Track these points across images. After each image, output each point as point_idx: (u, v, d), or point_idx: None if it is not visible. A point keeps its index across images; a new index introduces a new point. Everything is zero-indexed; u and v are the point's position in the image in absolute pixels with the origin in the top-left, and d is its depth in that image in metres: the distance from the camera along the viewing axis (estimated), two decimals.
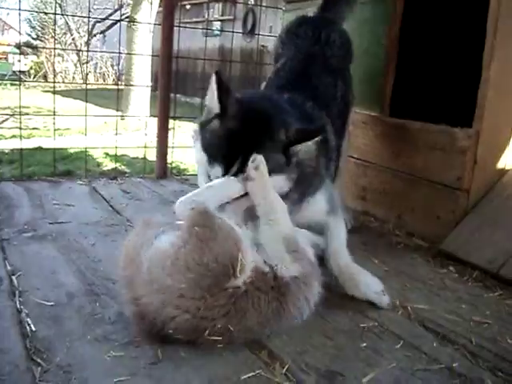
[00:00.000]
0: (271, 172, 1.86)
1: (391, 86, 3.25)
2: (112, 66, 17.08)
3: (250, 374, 1.56)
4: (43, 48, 17.16)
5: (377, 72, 3.28)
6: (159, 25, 4.03)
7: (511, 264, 2.45)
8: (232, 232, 1.70)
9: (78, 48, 17.94)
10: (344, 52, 2.81)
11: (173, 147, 4.07)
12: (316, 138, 1.95)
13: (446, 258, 2.66)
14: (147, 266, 1.65)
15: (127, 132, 7.62)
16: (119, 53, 3.89)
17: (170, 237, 1.71)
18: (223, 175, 1.86)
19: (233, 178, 1.85)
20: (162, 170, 3.97)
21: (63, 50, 17.06)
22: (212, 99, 1.97)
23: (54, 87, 6.02)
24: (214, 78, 1.94)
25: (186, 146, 4.96)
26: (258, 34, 9.37)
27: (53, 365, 1.54)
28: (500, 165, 2.89)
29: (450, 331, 1.95)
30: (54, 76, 13.24)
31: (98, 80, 16.65)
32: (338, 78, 2.66)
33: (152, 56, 9.22)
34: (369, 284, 2.10)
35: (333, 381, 1.59)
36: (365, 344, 1.80)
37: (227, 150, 1.89)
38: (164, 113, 3.91)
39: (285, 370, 1.60)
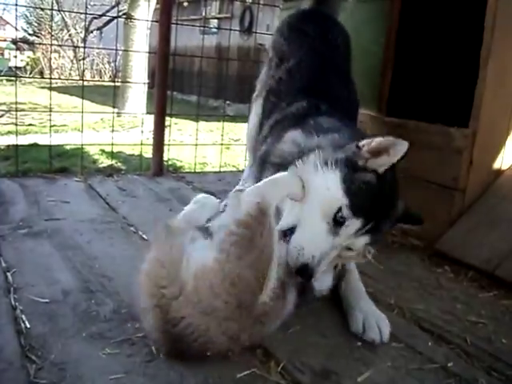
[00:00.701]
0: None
1: (389, 86, 3.25)
2: (109, 62, 17.03)
3: (246, 373, 1.57)
4: (40, 44, 17.09)
5: (374, 71, 3.28)
6: (156, 22, 4.02)
7: (507, 264, 2.46)
8: (271, 241, 1.61)
9: (75, 44, 17.90)
10: (348, 53, 2.79)
11: (169, 144, 4.06)
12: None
13: (441, 257, 2.66)
14: (194, 286, 1.53)
15: (124, 129, 7.61)
16: (116, 49, 3.87)
17: (209, 250, 1.60)
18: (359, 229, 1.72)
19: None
20: (158, 167, 3.96)
21: (60, 46, 17.00)
22: None
23: (51, 83, 5.99)
24: None
25: (182, 143, 5.00)
26: (256, 32, 9.36)
27: (47, 362, 1.53)
28: (496, 165, 2.89)
29: (445, 331, 1.95)
30: (51, 72, 13.21)
31: (94, 77, 16.60)
32: (349, 81, 2.64)
33: (149, 53, 9.19)
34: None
35: (328, 379, 1.59)
36: (360, 343, 1.80)
37: (370, 207, 1.72)
38: (160, 110, 3.90)
39: (280, 368, 1.61)
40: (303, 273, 1.67)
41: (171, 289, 1.56)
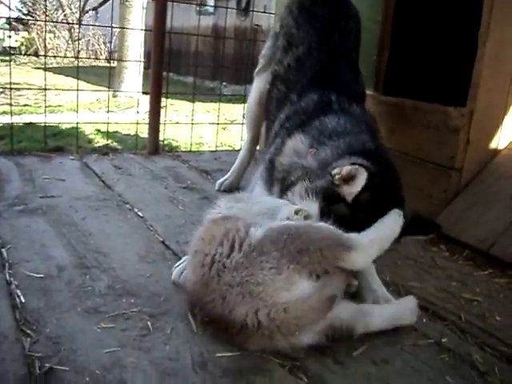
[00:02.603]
0: None
1: (386, 64, 3.23)
2: (104, 43, 16.90)
3: (242, 351, 1.56)
4: (35, 21, 16.92)
5: (371, 49, 3.25)
6: (152, 0, 3.97)
7: (501, 243, 2.46)
8: None
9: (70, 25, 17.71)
10: (358, 40, 2.69)
11: (165, 123, 4.04)
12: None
13: (437, 236, 2.66)
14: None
15: (119, 109, 7.57)
16: (111, 27, 3.85)
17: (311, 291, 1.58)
18: None
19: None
20: (154, 147, 3.94)
21: (55, 23, 16.83)
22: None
23: (45, 63, 5.93)
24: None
25: (178, 122, 4.98)
26: (252, 11, 9.28)
27: (42, 336, 1.53)
28: (493, 144, 2.89)
29: (439, 308, 1.96)
30: (45, 52, 13.08)
31: (90, 57, 16.47)
32: (358, 71, 2.59)
33: (145, 31, 9.10)
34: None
35: (323, 355, 1.59)
36: None
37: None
38: (156, 88, 3.87)
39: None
40: None
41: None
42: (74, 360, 1.44)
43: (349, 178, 1.73)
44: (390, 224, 1.73)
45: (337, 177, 1.75)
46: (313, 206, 1.78)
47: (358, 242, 1.63)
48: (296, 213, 1.75)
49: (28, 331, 1.55)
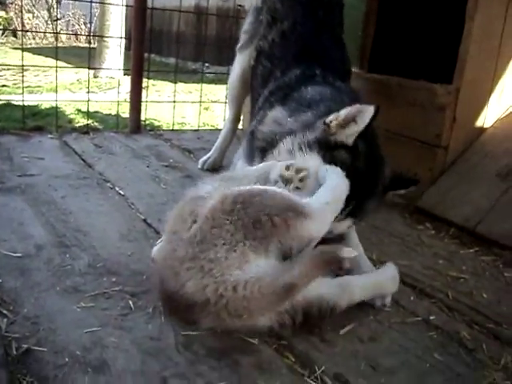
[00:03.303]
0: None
1: (371, 41, 3.18)
2: (85, 23, 16.61)
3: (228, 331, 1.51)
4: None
5: (356, 26, 3.19)
6: None
7: (487, 221, 2.45)
8: None
9: (50, 4, 17.39)
10: (341, 15, 2.64)
11: (146, 102, 3.96)
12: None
13: (422, 214, 2.65)
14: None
15: (100, 90, 7.43)
16: (91, 1, 3.74)
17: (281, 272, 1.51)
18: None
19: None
20: (136, 125, 3.86)
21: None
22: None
23: (22, 42, 5.80)
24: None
25: (160, 101, 4.90)
26: None
27: (20, 316, 1.48)
28: (479, 123, 2.87)
29: (427, 285, 1.95)
30: (22, 30, 12.80)
31: (70, 38, 16.18)
32: (343, 45, 2.53)
33: (126, 6, 8.92)
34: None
35: (310, 333, 1.56)
36: None
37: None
38: (138, 66, 3.78)
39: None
40: None
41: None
42: (53, 340, 1.39)
43: (347, 121, 1.70)
44: (337, 183, 1.63)
45: (333, 123, 1.71)
46: (308, 159, 1.72)
47: (311, 207, 1.55)
48: (287, 168, 1.67)
49: (4, 311, 1.50)
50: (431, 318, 1.72)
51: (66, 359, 1.32)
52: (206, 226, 1.52)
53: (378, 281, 1.75)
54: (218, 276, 1.44)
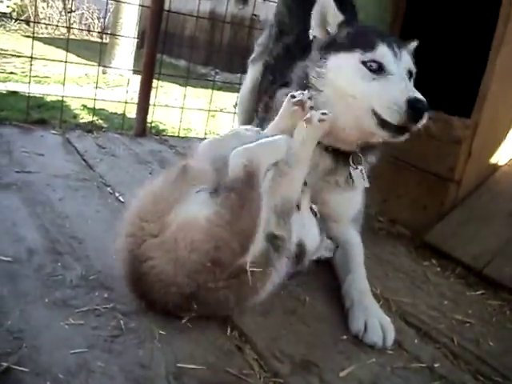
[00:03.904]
0: None
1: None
2: (98, 18, 16.57)
3: (219, 355, 1.45)
4: None
5: None
6: None
7: (496, 263, 2.37)
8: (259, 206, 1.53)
9: None
10: None
11: (154, 105, 3.88)
12: None
13: (429, 249, 2.56)
14: (174, 233, 1.46)
15: (108, 87, 7.36)
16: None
17: (207, 207, 1.48)
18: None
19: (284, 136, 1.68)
20: (141, 128, 3.78)
21: None
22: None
23: (34, 29, 5.72)
24: None
25: (168, 105, 4.81)
26: None
27: (2, 329, 1.38)
28: (494, 159, 2.79)
29: (431, 328, 1.86)
30: (35, 17, 12.71)
31: (82, 31, 16.13)
32: None
33: (141, 6, 8.87)
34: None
35: (308, 372, 1.48)
36: (345, 336, 1.68)
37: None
38: (149, 68, 3.71)
39: (257, 355, 1.48)
40: None
41: (152, 226, 1.51)
42: (36, 360, 1.29)
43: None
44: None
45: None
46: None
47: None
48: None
49: None
50: (435, 365, 1.63)
51: (48, 383, 1.22)
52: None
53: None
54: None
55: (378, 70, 1.85)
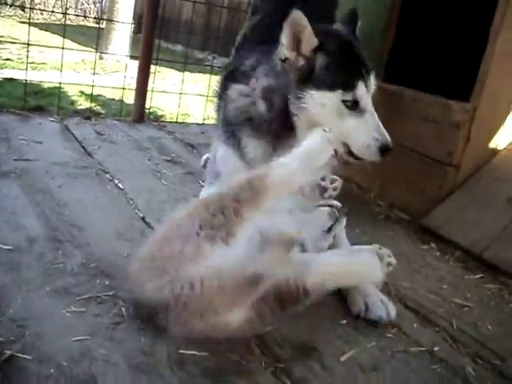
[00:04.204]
0: None
1: (389, 49, 3.09)
2: (94, 3, 16.45)
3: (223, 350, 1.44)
4: None
5: (376, 32, 3.10)
6: None
7: (495, 248, 2.37)
8: None
9: None
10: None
11: (152, 91, 3.86)
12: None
13: (427, 233, 2.56)
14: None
15: (105, 72, 7.32)
16: None
17: None
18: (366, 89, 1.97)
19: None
20: (140, 114, 3.77)
21: None
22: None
23: (30, 16, 5.68)
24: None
25: (165, 91, 4.80)
26: None
27: (5, 317, 1.39)
28: (493, 144, 2.79)
29: (430, 312, 1.87)
30: (30, 3, 12.59)
31: (78, 15, 16.00)
32: None
33: None
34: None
35: (308, 357, 1.49)
36: (345, 321, 1.70)
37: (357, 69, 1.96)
38: (147, 53, 3.69)
39: (257, 341, 1.49)
40: None
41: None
42: (39, 348, 1.30)
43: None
44: (314, 139, 1.64)
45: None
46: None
47: (273, 164, 1.56)
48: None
49: None
50: (435, 348, 1.65)
51: (52, 370, 1.23)
52: (167, 225, 1.51)
53: (352, 262, 1.58)
54: (172, 273, 1.38)
55: (354, 105, 1.96)
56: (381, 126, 2.03)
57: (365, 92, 1.98)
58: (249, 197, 1.48)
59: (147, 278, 1.41)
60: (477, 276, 2.24)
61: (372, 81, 2.03)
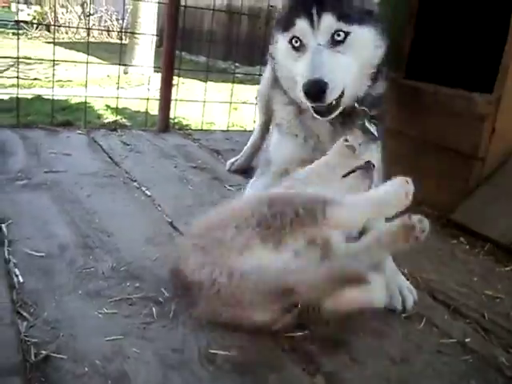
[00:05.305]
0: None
1: (410, 45, 3.07)
2: (117, 19, 16.69)
3: (249, 339, 1.46)
4: None
5: (395, 30, 3.08)
6: None
7: None
8: None
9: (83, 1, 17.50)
10: None
11: (176, 100, 3.91)
12: None
13: (456, 228, 2.54)
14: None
15: (130, 86, 7.44)
16: None
17: None
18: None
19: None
20: (164, 124, 3.82)
21: None
22: None
23: (54, 34, 5.83)
24: None
25: (189, 100, 4.85)
26: None
27: (40, 320, 1.44)
28: None
29: (461, 304, 1.85)
30: (55, 22, 12.84)
31: (102, 33, 16.28)
32: None
33: (159, 4, 8.91)
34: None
35: (337, 350, 1.49)
36: (374, 314, 1.69)
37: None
38: (169, 63, 3.74)
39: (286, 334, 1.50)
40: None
41: None
42: (73, 348, 1.34)
43: None
44: (393, 187, 1.60)
45: None
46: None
47: (341, 198, 1.51)
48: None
49: (25, 314, 1.45)
50: (466, 340, 1.63)
51: (86, 369, 1.27)
52: (226, 210, 1.52)
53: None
54: (217, 257, 1.40)
55: (300, 46, 1.90)
56: (315, 61, 1.83)
57: (306, 29, 1.86)
58: (309, 222, 1.47)
59: (192, 253, 1.44)
60: (507, 268, 2.21)
61: (324, 18, 1.84)
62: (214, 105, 4.88)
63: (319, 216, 1.45)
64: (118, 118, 4.24)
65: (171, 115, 3.91)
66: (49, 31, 15.18)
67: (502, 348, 1.63)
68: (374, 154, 2.13)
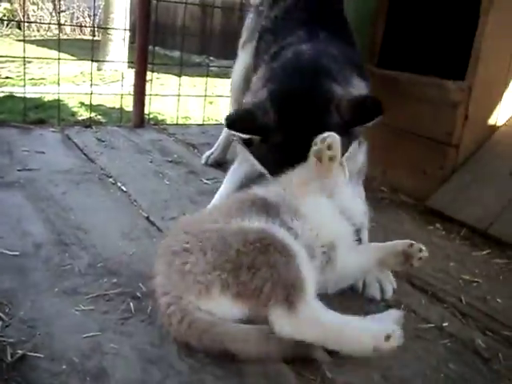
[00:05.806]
0: None
1: (382, 34, 3.09)
2: (89, 16, 16.50)
3: None
4: None
5: (366, 18, 3.10)
6: None
7: (500, 223, 2.38)
8: None
9: None
10: None
11: (150, 95, 3.87)
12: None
13: (432, 214, 2.57)
14: None
15: (104, 83, 7.36)
16: None
17: None
18: None
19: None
20: (139, 119, 3.78)
21: None
22: None
23: (24, 33, 5.74)
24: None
25: (164, 95, 4.82)
26: None
27: (15, 319, 1.42)
28: (491, 121, 2.79)
29: (438, 289, 1.88)
30: (25, 21, 12.67)
31: (74, 30, 16.08)
32: (346, 21, 2.43)
33: None
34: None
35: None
36: (353, 302, 1.70)
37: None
38: (142, 58, 3.70)
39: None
40: None
41: None
42: (50, 346, 1.32)
43: None
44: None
45: None
46: None
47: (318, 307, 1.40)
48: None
49: (0, 314, 1.43)
50: (444, 324, 1.66)
51: (64, 366, 1.25)
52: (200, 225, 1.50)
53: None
54: (177, 288, 1.40)
55: None
56: None
57: None
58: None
59: (160, 271, 1.45)
60: (484, 252, 2.24)
61: None
62: (190, 99, 4.85)
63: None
64: (93, 114, 4.19)
65: (146, 110, 3.87)
66: (20, 29, 14.95)
67: (480, 331, 1.65)
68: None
